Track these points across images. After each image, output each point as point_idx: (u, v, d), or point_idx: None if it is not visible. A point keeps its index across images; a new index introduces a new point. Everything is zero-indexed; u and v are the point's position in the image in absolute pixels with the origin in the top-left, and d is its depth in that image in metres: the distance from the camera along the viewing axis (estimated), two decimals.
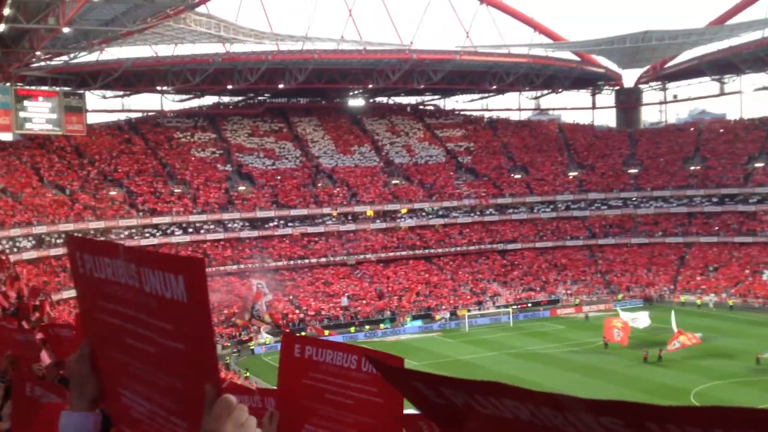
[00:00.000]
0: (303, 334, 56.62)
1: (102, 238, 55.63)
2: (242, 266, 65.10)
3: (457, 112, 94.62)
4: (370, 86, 79.75)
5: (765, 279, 65.04)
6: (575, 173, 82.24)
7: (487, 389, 1.26)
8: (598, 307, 63.90)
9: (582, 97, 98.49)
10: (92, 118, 74.56)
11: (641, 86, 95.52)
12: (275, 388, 2.60)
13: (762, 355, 41.82)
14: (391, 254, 70.49)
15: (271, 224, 69.28)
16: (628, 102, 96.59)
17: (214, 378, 1.69)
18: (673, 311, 50.16)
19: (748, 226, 72.57)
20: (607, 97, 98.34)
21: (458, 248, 72.85)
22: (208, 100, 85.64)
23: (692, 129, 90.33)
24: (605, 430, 1.13)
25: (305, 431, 2.33)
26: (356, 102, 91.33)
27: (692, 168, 79.82)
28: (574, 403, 1.15)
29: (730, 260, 70.07)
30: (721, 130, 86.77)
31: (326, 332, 56.16)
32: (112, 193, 65.52)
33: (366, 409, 2.25)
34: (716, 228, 73.91)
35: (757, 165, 76.17)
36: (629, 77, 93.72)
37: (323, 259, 68.43)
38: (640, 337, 48.71)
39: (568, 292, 68.29)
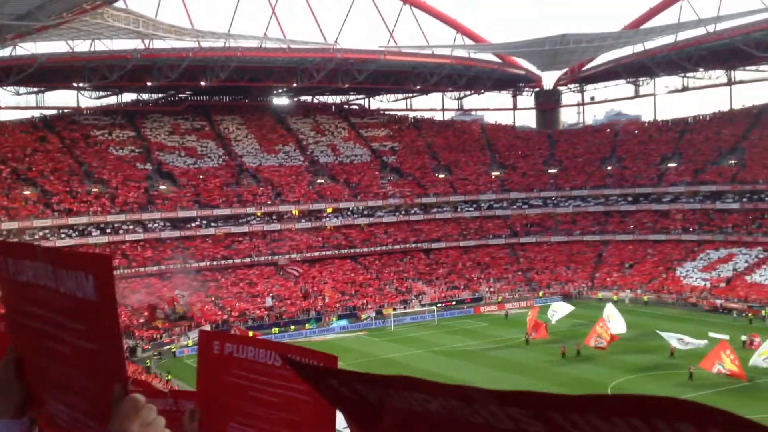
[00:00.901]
0: None
1: (16, 240, 53.63)
2: (163, 267, 63.70)
3: (381, 112, 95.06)
4: (295, 85, 79.27)
5: (678, 275, 67.60)
6: (497, 173, 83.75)
7: (400, 384, 1.28)
8: (520, 304, 65.23)
9: (503, 98, 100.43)
10: (5, 115, 72.10)
11: (560, 88, 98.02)
12: (193, 390, 2.54)
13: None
14: (317, 254, 70.27)
15: (193, 224, 68.07)
16: (548, 103, 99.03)
17: (122, 377, 1.69)
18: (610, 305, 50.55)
19: (661, 224, 75.31)
20: (527, 98, 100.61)
21: (383, 247, 73.17)
22: (127, 97, 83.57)
23: (608, 130, 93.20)
24: (511, 420, 1.16)
25: (231, 429, 2.29)
26: (280, 100, 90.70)
27: (609, 168, 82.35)
28: (482, 394, 1.18)
29: (644, 257, 72.56)
30: (636, 131, 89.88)
31: (250, 333, 55.52)
32: (26, 192, 63.18)
33: (293, 407, 2.22)
34: (631, 226, 76.43)
35: (670, 165, 79.14)
36: (549, 79, 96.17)
37: (247, 260, 67.65)
38: (560, 332, 50.00)
39: (491, 289, 69.45)
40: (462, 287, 69.59)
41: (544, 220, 79.82)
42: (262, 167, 77.53)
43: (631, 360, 43.84)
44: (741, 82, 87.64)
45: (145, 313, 55.29)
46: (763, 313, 55.18)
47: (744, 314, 55.84)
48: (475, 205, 79.69)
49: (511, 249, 76.94)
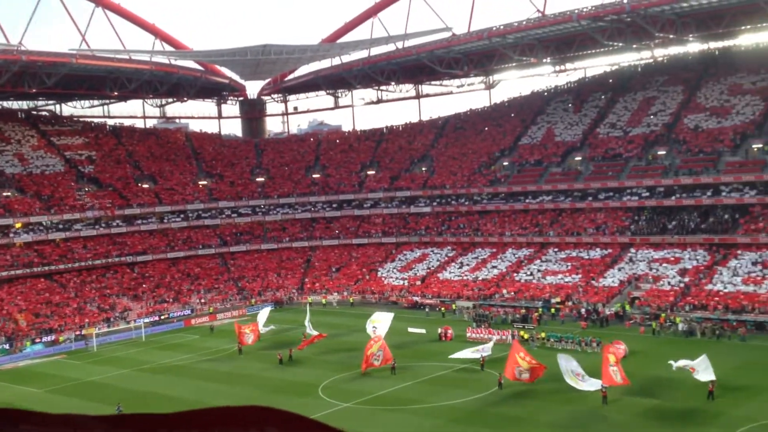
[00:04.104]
0: None
1: None
2: None
3: (76, 119, 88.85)
4: None
5: (380, 276, 71.70)
6: (205, 182, 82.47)
7: (2, 417, 1.23)
8: (233, 314, 64.71)
9: (208, 106, 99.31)
10: None
11: (264, 98, 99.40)
12: None
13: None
14: (5, 274, 63.57)
15: None
16: (253, 112, 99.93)
17: None
18: (308, 309, 53.87)
19: (363, 228, 79.46)
20: (232, 107, 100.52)
21: (83, 263, 68.32)
22: None
23: (312, 139, 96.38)
24: None
25: None
26: None
27: (314, 176, 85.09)
28: (88, 421, 1.18)
29: (349, 261, 75.96)
30: (338, 141, 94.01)
31: None
32: None
33: None
34: (336, 232, 79.68)
35: (369, 173, 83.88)
36: (253, 88, 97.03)
37: None
38: (272, 339, 50.46)
39: (202, 301, 68.04)
40: (171, 300, 67.30)
41: (253, 229, 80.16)
42: None
43: (340, 359, 45.44)
44: (427, 95, 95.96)
45: None
46: (453, 307, 60.42)
47: (437, 309, 60.64)
48: (182, 216, 77.62)
49: (221, 258, 76.13)
